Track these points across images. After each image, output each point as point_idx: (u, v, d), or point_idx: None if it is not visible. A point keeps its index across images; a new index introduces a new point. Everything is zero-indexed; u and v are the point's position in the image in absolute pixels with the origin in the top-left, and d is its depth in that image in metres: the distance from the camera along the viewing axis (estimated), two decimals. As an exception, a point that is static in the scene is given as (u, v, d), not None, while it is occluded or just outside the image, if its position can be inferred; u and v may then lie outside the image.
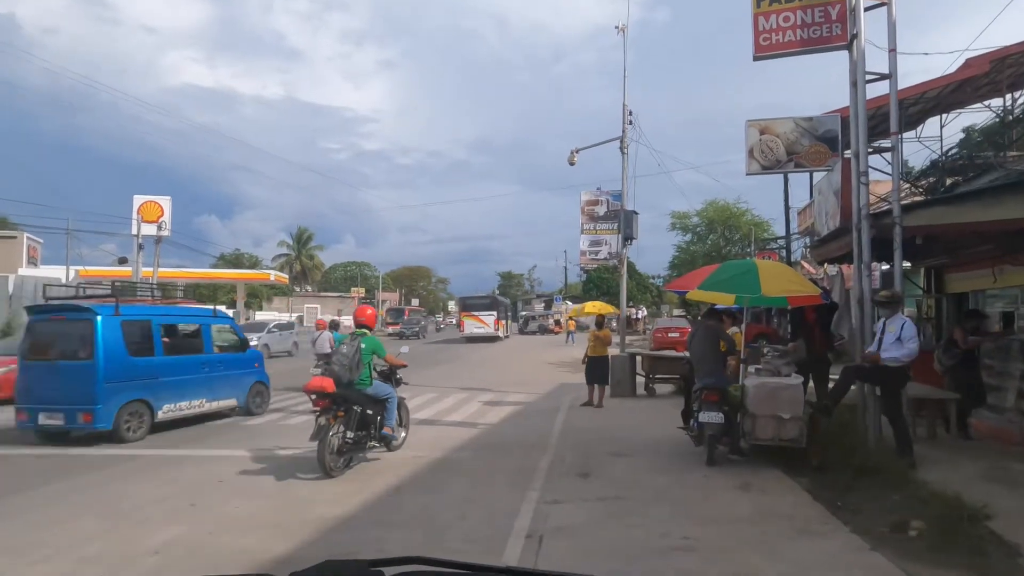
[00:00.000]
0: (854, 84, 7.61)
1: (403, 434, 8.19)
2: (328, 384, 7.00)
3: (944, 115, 14.30)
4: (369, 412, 7.25)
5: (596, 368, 11.93)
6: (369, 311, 7.88)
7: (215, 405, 10.53)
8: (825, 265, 16.65)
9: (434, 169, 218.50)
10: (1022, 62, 11.37)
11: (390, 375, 8.02)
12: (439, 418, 10.91)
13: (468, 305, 40.53)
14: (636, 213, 15.39)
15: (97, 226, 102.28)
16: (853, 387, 7.48)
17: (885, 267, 9.03)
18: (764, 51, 8.36)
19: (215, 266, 51.54)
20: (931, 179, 13.22)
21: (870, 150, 8.42)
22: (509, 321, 48.24)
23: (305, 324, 50.03)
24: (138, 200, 31.25)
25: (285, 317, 41.44)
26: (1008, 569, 4.11)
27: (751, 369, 7.75)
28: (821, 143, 15.09)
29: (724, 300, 8.07)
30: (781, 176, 21.30)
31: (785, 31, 8.20)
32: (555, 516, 5.38)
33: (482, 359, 25.63)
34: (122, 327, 9.05)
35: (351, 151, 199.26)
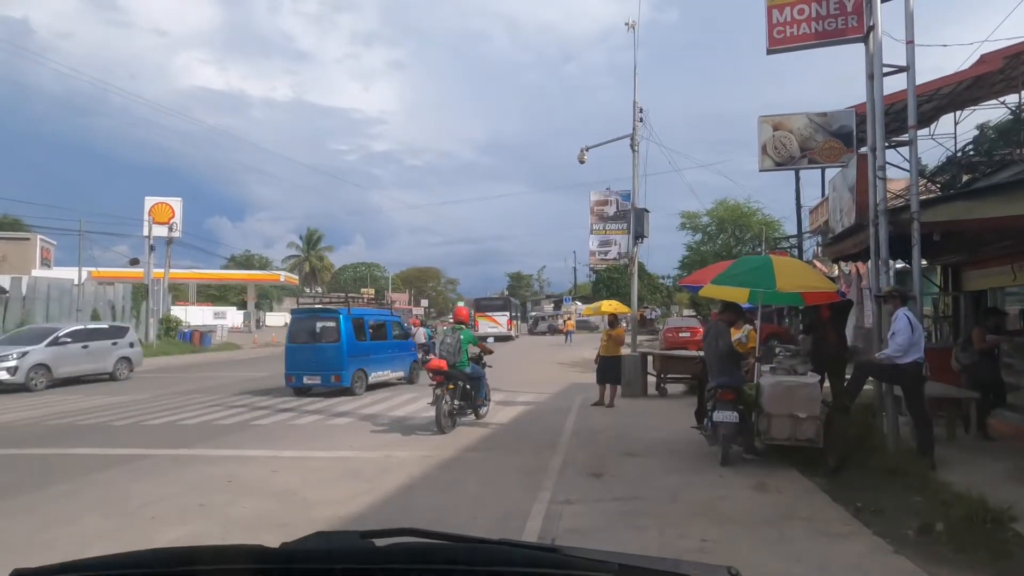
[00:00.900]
0: (871, 77, 7.47)
1: (490, 403, 10.38)
2: (443, 364, 9.21)
3: (958, 112, 14.09)
4: (467, 387, 9.44)
5: (608, 368, 11.82)
6: (465, 311, 10.62)
7: (394, 375, 15.40)
8: (839, 263, 16.48)
9: (443, 170, 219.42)
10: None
11: (479, 359, 10.04)
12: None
13: (482, 306, 42.66)
14: (647, 211, 15.21)
15: (109, 228, 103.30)
16: (869, 386, 7.33)
17: (900, 265, 8.85)
18: (778, 44, 8.25)
19: (226, 267, 51.84)
20: (947, 175, 13.02)
21: (887, 145, 8.28)
22: (519, 322, 48.54)
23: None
24: (149, 201, 31.50)
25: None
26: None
27: (765, 368, 7.63)
28: (835, 139, 14.89)
29: (738, 296, 7.96)
30: (791, 175, 21.11)
31: (800, 24, 8.09)
32: (568, 517, 5.28)
33: (492, 359, 25.44)
34: (352, 322, 13.72)
35: (360, 152, 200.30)
